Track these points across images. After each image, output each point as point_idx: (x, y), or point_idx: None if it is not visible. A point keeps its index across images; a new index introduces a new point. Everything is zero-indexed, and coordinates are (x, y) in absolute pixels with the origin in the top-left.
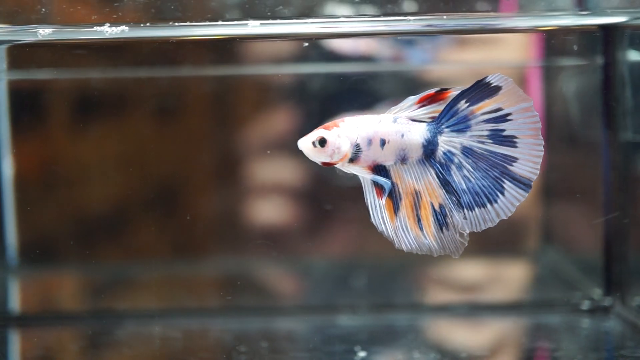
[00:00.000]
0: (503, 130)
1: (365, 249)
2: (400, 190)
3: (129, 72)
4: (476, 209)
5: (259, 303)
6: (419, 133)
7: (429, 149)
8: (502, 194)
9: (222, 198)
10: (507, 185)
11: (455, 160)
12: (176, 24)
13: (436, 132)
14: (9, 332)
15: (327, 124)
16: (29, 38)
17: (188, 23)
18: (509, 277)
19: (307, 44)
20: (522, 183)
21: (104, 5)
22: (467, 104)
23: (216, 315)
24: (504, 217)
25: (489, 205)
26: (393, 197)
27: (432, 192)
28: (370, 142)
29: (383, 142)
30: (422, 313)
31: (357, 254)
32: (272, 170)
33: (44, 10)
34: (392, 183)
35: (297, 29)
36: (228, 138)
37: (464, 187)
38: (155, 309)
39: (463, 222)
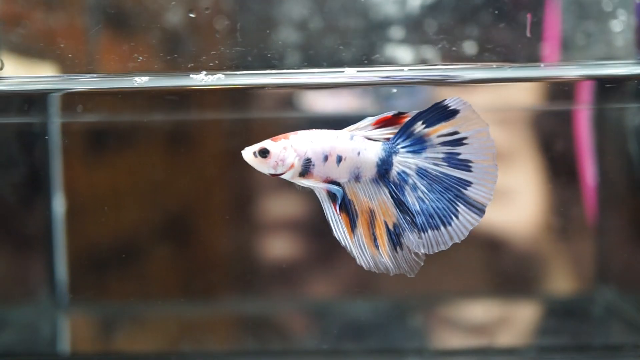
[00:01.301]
0: (458, 154)
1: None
2: (356, 207)
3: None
4: (429, 231)
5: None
6: (374, 152)
7: (383, 169)
8: (457, 217)
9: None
10: (461, 209)
11: (410, 180)
12: (272, 71)
13: (391, 152)
14: None
15: (278, 136)
16: (125, 86)
17: (285, 70)
18: (566, 318)
19: (395, 90)
20: (475, 208)
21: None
22: (424, 126)
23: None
24: (457, 241)
25: (442, 228)
26: (350, 214)
27: (385, 211)
28: (326, 157)
29: (340, 159)
30: (487, 356)
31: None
32: None
33: (140, 58)
34: (349, 200)
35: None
36: None
37: (418, 208)
38: (219, 351)
39: (418, 242)
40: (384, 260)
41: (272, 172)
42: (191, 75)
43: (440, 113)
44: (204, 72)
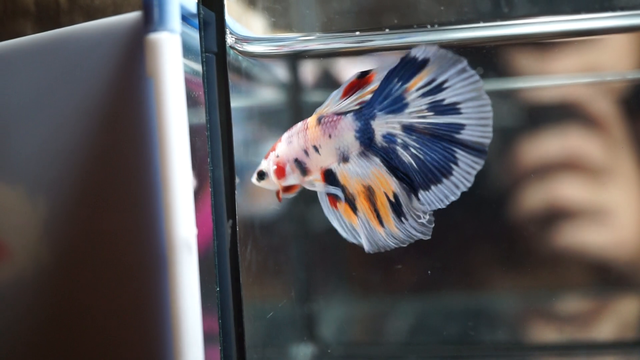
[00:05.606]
0: (442, 100)
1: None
2: (352, 191)
3: None
4: (432, 187)
5: None
6: (346, 127)
7: (366, 138)
8: (456, 164)
9: None
10: (459, 154)
11: (398, 140)
12: None
13: (368, 118)
14: None
15: (268, 151)
16: None
17: None
18: None
19: None
20: (475, 149)
21: None
22: (400, 83)
23: None
24: (464, 189)
25: (444, 180)
26: (347, 200)
27: (383, 182)
28: (306, 152)
29: (316, 149)
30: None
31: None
32: None
33: None
34: (342, 187)
35: None
36: None
37: (415, 167)
38: None
39: (420, 206)
40: (394, 233)
41: (277, 188)
42: None
43: (411, 66)
44: None
